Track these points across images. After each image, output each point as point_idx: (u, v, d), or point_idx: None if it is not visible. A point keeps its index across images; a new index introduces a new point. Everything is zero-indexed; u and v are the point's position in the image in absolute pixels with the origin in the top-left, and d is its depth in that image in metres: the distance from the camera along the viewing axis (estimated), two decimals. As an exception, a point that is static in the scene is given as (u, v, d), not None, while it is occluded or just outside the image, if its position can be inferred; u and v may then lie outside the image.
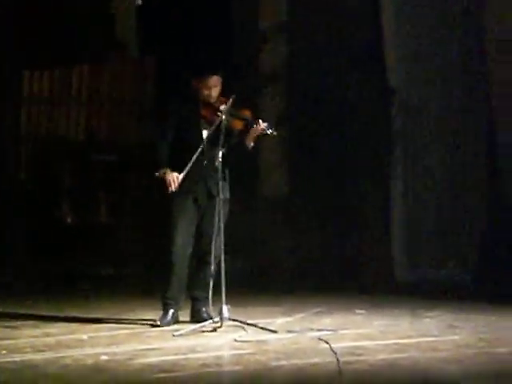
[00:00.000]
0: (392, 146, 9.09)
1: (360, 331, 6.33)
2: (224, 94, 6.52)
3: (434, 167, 9.18)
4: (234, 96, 6.38)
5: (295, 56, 9.69)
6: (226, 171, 6.51)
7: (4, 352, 5.60)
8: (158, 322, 6.47)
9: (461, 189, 9.11)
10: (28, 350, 5.69)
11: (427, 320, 6.80)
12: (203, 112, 6.50)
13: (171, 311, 6.51)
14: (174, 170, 6.46)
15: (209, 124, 6.48)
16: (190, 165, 6.35)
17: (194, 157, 6.33)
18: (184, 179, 6.44)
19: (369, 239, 9.12)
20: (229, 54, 9.90)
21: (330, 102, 9.23)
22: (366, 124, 9.12)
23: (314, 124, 9.38)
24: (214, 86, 6.48)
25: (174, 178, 6.41)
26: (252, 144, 6.49)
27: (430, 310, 7.12)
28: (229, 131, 6.45)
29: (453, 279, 8.88)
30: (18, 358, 5.45)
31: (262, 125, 6.42)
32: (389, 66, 9.06)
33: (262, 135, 6.48)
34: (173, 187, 6.41)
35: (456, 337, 6.10)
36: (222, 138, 6.35)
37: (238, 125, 6.48)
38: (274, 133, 6.48)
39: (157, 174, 6.47)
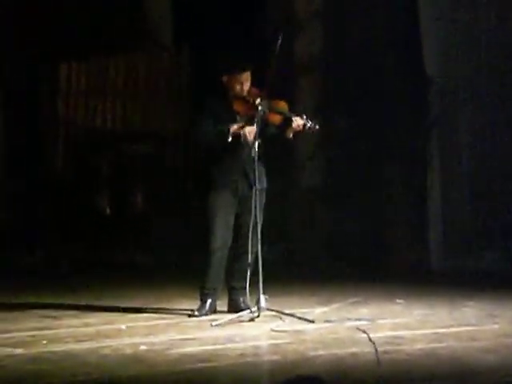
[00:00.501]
0: (429, 132, 9.03)
1: (398, 321, 6.32)
2: (258, 84, 6.49)
3: (472, 154, 9.11)
4: (279, 37, 6.16)
5: (331, 44, 9.65)
6: (263, 162, 6.51)
7: (45, 342, 5.67)
8: (196, 313, 6.50)
9: (499, 175, 9.03)
10: (68, 339, 5.75)
11: (466, 309, 6.77)
12: (236, 107, 6.47)
13: (209, 301, 6.53)
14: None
15: (245, 118, 6.46)
16: (257, 120, 6.23)
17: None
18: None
19: (406, 228, 9.08)
20: (263, 42, 9.88)
21: (367, 89, 9.19)
22: (403, 111, 9.07)
23: (350, 112, 9.35)
24: (246, 81, 6.46)
25: (250, 129, 6.34)
26: (291, 136, 6.47)
27: (469, 299, 7.08)
28: (265, 124, 6.43)
29: (492, 267, 8.82)
30: (58, 348, 5.51)
31: (302, 121, 6.38)
32: (426, 52, 8.99)
33: (303, 130, 6.43)
34: (252, 136, 6.31)
35: (495, 326, 6.07)
36: (257, 130, 6.35)
37: (276, 119, 6.45)
38: (316, 126, 6.43)
39: (229, 136, 6.36)
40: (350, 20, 9.44)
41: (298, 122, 6.39)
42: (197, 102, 7.02)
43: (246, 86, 6.48)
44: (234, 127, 6.37)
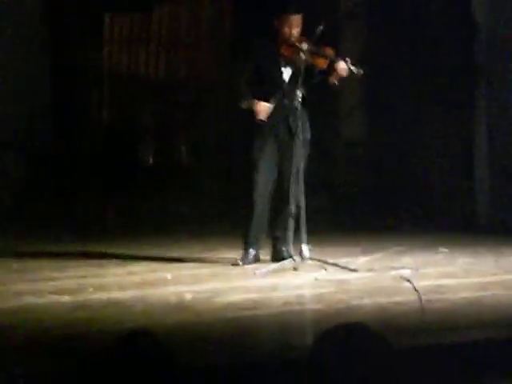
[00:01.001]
0: (476, 81, 8.88)
1: (442, 269, 6.30)
2: (304, 33, 6.44)
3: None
4: (320, 28, 6.25)
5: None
6: (307, 112, 6.47)
7: (91, 290, 5.74)
8: (240, 262, 6.52)
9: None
10: (114, 287, 5.82)
11: (512, 258, 6.72)
12: (283, 51, 6.44)
13: (252, 251, 6.56)
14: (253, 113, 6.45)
15: (290, 63, 6.43)
16: (275, 98, 6.31)
17: (275, 99, 6.29)
18: (265, 119, 6.43)
19: (451, 177, 9.00)
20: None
21: (411, 37, 9.05)
22: (448, 60, 8.92)
23: (394, 62, 9.23)
24: (296, 26, 6.41)
25: (264, 107, 6.36)
26: (336, 82, 6.40)
27: (516, 248, 7.02)
28: (310, 71, 6.38)
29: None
30: (103, 295, 5.58)
31: (346, 64, 6.33)
32: (475, 1, 8.82)
33: (347, 74, 6.37)
34: (262, 116, 6.37)
35: (542, 275, 6.02)
36: (301, 78, 6.31)
37: (321, 63, 6.39)
38: (361, 71, 6.36)
39: (243, 104, 6.42)
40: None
41: (341, 65, 6.32)
42: (238, 49, 6.98)
43: (296, 30, 6.42)
44: (252, 101, 6.33)
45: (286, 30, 6.42)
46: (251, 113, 6.40)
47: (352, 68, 6.33)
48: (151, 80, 10.59)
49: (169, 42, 10.60)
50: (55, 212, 9.06)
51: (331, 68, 6.36)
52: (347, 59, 6.38)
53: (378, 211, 9.08)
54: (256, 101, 6.38)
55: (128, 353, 2.72)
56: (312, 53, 6.36)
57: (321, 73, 6.43)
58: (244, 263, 6.51)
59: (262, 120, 6.36)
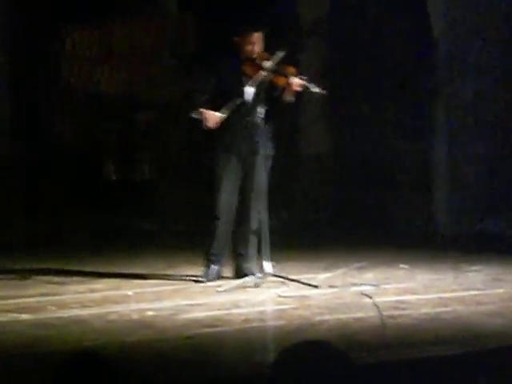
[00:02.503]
0: (435, 97, 8.98)
1: (403, 285, 6.33)
2: (266, 48, 6.47)
3: (478, 118, 9.06)
4: (281, 53, 6.30)
5: (335, 8, 9.58)
6: (269, 128, 6.49)
7: (52, 308, 5.69)
8: (202, 278, 6.51)
9: (506, 138, 8.99)
10: (75, 305, 5.78)
11: (471, 274, 6.77)
12: (245, 68, 6.46)
13: (214, 267, 6.55)
14: (216, 130, 6.44)
15: (251, 80, 6.45)
16: (227, 107, 6.31)
17: (230, 106, 6.30)
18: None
19: (410, 193, 9.07)
20: (268, 6, 9.82)
21: (371, 53, 9.13)
22: (407, 76, 9.01)
23: (354, 78, 9.30)
24: (257, 43, 6.43)
25: (212, 115, 6.36)
26: (290, 98, 6.42)
27: (474, 264, 7.08)
28: (272, 88, 6.40)
29: (497, 232, 8.80)
30: (65, 313, 5.54)
31: (301, 81, 6.35)
32: (432, 14, 8.91)
33: (308, 93, 6.39)
34: (211, 124, 6.37)
35: (500, 290, 6.08)
36: (263, 95, 6.33)
37: (281, 81, 6.42)
38: (320, 90, 6.37)
39: (193, 114, 6.42)
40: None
41: (295, 80, 6.34)
42: (200, 65, 6.99)
43: (257, 47, 6.44)
44: (197, 112, 6.34)
45: (249, 47, 6.44)
46: (201, 122, 6.40)
47: (310, 86, 6.34)
48: (112, 96, 10.56)
49: (129, 57, 10.59)
50: (14, 229, 8.99)
51: (287, 84, 6.38)
52: (304, 77, 6.40)
53: (340, 226, 9.12)
54: (205, 110, 6.38)
55: (72, 374, 2.72)
56: (273, 71, 6.38)
57: (278, 89, 6.45)
58: (206, 280, 6.50)
59: (209, 128, 6.36)
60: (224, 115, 6.34)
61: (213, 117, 6.35)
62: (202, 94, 6.45)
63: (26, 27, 9.97)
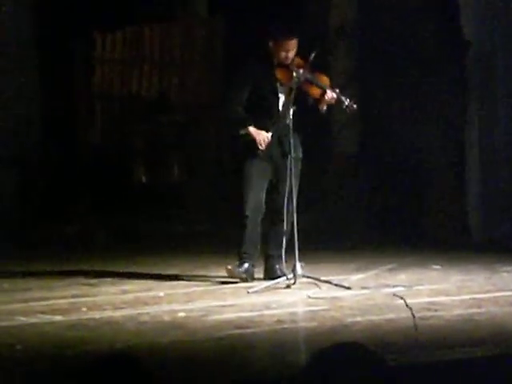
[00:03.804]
0: (467, 99, 8.92)
1: (435, 287, 6.29)
2: (298, 53, 6.44)
3: (510, 119, 8.99)
4: (313, 53, 6.27)
5: (366, 10, 9.55)
6: (299, 131, 6.48)
7: (84, 309, 5.72)
8: (230, 267, 6.43)
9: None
10: (107, 307, 5.79)
11: (505, 274, 6.72)
12: (279, 75, 6.43)
13: (246, 265, 6.52)
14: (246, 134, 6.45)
15: (284, 86, 6.43)
16: (274, 127, 6.33)
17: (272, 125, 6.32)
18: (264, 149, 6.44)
19: (444, 194, 9.01)
20: (300, 9, 9.81)
21: (403, 56, 9.10)
22: (440, 78, 8.96)
23: (386, 79, 9.26)
24: (291, 49, 6.40)
25: (265, 138, 6.37)
26: (325, 109, 6.44)
27: (508, 265, 7.02)
28: (304, 95, 6.39)
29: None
30: (97, 315, 5.56)
31: (336, 94, 6.35)
32: (464, 17, 8.87)
33: (340, 106, 6.40)
34: (263, 146, 6.38)
35: (534, 291, 6.02)
36: (293, 97, 6.32)
37: (315, 92, 6.41)
38: (354, 106, 6.38)
39: (242, 131, 6.41)
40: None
41: (330, 95, 6.35)
42: (234, 70, 6.99)
43: (292, 53, 6.42)
44: (251, 130, 6.35)
45: (282, 53, 6.40)
46: (250, 141, 6.40)
47: (344, 101, 6.35)
48: (143, 99, 10.61)
49: (161, 63, 10.63)
50: (48, 231, 9.05)
51: (322, 96, 6.38)
52: (338, 91, 6.40)
53: (372, 227, 9.09)
54: (255, 130, 6.38)
55: (105, 376, 2.72)
56: (307, 80, 6.36)
57: (311, 98, 6.45)
58: (236, 272, 6.44)
59: (262, 150, 6.37)
60: (271, 133, 6.37)
61: (265, 138, 6.35)
62: (239, 101, 6.42)
63: (59, 29, 10.04)
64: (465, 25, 8.89)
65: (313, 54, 6.31)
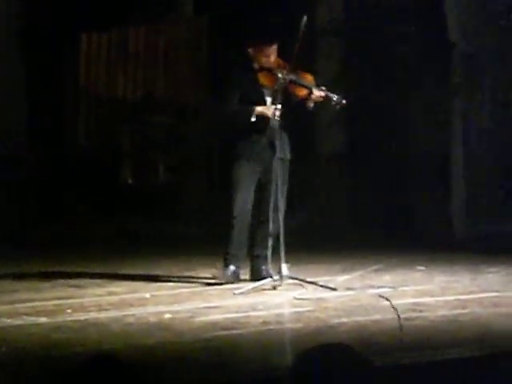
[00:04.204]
0: (451, 100, 8.96)
1: (420, 288, 6.32)
2: (280, 54, 6.43)
3: (495, 121, 9.05)
4: (303, 21, 6.11)
5: (352, 10, 9.57)
6: (287, 132, 6.49)
7: (69, 311, 5.71)
8: (217, 277, 6.47)
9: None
10: (92, 308, 5.79)
11: (489, 275, 6.75)
12: (262, 79, 6.41)
13: (231, 268, 6.54)
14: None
15: (268, 89, 6.42)
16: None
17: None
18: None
19: (429, 195, 9.05)
20: (284, 8, 9.83)
21: (388, 56, 9.12)
22: (424, 79, 9.00)
23: (371, 79, 9.29)
24: (271, 54, 6.39)
25: (271, 109, 6.29)
26: (312, 105, 6.44)
27: (492, 266, 7.05)
28: (288, 95, 6.38)
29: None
30: (82, 316, 5.56)
31: (323, 92, 6.34)
32: (449, 19, 8.90)
33: (329, 103, 6.39)
34: (271, 113, 6.28)
35: (518, 292, 6.05)
36: (279, 98, 6.32)
37: (301, 93, 6.40)
38: (343, 101, 6.37)
39: (252, 116, 6.34)
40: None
41: (317, 93, 6.36)
42: (221, 74, 6.97)
43: (273, 57, 6.40)
44: (258, 109, 6.34)
45: (263, 59, 6.39)
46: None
47: (332, 97, 6.35)
48: (129, 100, 10.60)
49: (146, 63, 10.62)
50: (30, 231, 9.03)
51: (309, 95, 6.37)
52: (324, 88, 6.40)
53: (357, 228, 9.11)
54: (261, 108, 6.33)
55: (92, 377, 2.72)
56: (292, 82, 6.35)
57: (297, 99, 6.45)
58: (222, 279, 6.48)
59: (277, 118, 6.28)
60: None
61: (274, 110, 6.29)
62: (233, 101, 6.41)
63: (44, 31, 10.02)
64: (450, 25, 8.93)
65: (303, 22, 6.14)
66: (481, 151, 8.97)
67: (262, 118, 6.38)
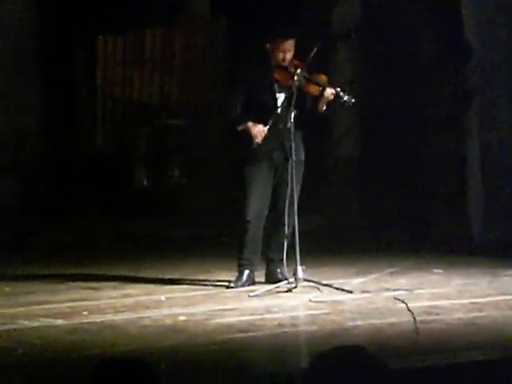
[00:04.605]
0: (468, 104, 8.93)
1: (436, 291, 6.30)
2: (296, 55, 6.48)
3: (511, 124, 9.00)
4: (312, 52, 6.28)
5: (369, 14, 9.56)
6: (300, 133, 6.49)
7: (85, 313, 5.72)
8: (232, 284, 6.50)
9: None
10: (108, 310, 5.80)
11: (506, 278, 6.72)
12: (276, 75, 6.46)
13: (246, 272, 6.54)
14: (247, 136, 6.45)
15: (283, 87, 6.46)
16: (271, 121, 6.35)
17: (270, 122, 6.34)
18: (250, 140, 6.44)
19: (444, 198, 9.02)
20: (300, 12, 9.83)
21: (405, 60, 9.10)
22: (440, 83, 8.97)
23: (387, 84, 9.27)
24: (288, 50, 6.42)
25: (260, 130, 6.38)
26: (324, 108, 6.45)
27: (509, 269, 7.01)
28: (302, 96, 6.40)
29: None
30: (98, 318, 5.57)
31: (334, 91, 6.36)
32: (466, 23, 8.87)
33: (338, 103, 6.41)
34: (259, 139, 6.38)
35: (535, 295, 6.02)
36: (294, 100, 6.33)
37: (314, 90, 6.43)
38: (352, 100, 6.39)
39: (239, 127, 6.43)
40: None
41: (329, 91, 6.36)
42: (232, 72, 7.01)
43: (289, 55, 6.43)
44: (249, 124, 6.36)
45: (279, 54, 6.43)
46: (248, 137, 6.40)
47: (343, 96, 6.36)
48: (144, 103, 10.61)
49: (163, 65, 10.63)
50: (46, 234, 9.05)
51: (321, 94, 6.39)
52: (338, 88, 6.42)
53: (373, 231, 9.09)
54: (252, 124, 6.40)
55: (105, 379, 2.72)
56: (305, 79, 6.39)
57: (312, 98, 6.47)
58: (238, 285, 6.49)
59: (258, 144, 6.38)
60: (269, 127, 6.37)
61: (261, 131, 6.36)
62: (236, 103, 6.45)
63: (61, 33, 10.05)
64: (467, 30, 8.90)
65: (314, 50, 6.29)
66: (497, 157, 8.93)
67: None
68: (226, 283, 6.58)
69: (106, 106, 10.68)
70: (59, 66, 10.20)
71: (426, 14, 9.05)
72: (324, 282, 6.37)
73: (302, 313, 5.77)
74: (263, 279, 6.63)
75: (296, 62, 6.45)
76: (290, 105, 6.36)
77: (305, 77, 6.37)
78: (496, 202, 8.87)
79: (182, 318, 5.55)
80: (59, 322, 5.49)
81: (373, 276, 6.92)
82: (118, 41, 10.65)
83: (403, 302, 5.77)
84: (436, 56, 8.98)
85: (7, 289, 6.58)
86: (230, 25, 10.30)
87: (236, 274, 6.57)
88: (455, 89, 8.95)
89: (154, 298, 6.22)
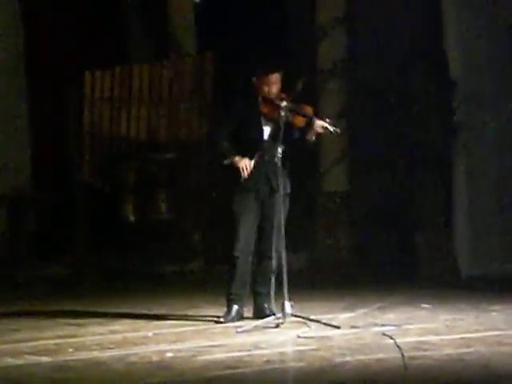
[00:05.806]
0: (454, 137, 8.98)
1: (424, 326, 6.28)
2: (283, 89, 6.53)
3: (497, 159, 9.05)
4: (299, 87, 6.35)
5: (355, 49, 9.64)
6: (287, 167, 6.52)
7: (71, 350, 5.68)
8: (222, 319, 6.49)
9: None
10: (94, 347, 5.76)
11: (493, 314, 6.72)
12: (263, 109, 6.52)
13: (235, 307, 6.52)
14: (233, 170, 6.47)
15: (269, 120, 6.50)
16: (257, 154, 6.39)
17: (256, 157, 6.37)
18: (238, 173, 6.46)
19: (431, 233, 9.03)
20: (286, 48, 9.90)
21: (391, 95, 9.16)
22: (427, 116, 9.03)
23: (374, 118, 9.33)
24: (274, 83, 6.50)
25: (247, 164, 6.41)
26: (313, 138, 6.49)
27: (496, 304, 7.03)
28: (289, 128, 6.45)
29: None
30: (84, 355, 5.52)
31: (324, 121, 6.43)
32: (450, 57, 8.95)
33: (324, 132, 6.48)
34: (245, 173, 6.42)
35: (523, 331, 6.02)
36: (281, 134, 6.37)
37: (300, 121, 6.49)
38: (338, 130, 6.47)
39: (226, 161, 6.46)
40: (373, 25, 9.42)
41: (318, 123, 6.42)
42: (218, 107, 7.07)
43: (275, 88, 6.51)
44: (235, 159, 6.40)
45: (265, 88, 6.50)
46: (234, 170, 6.43)
47: (329, 127, 6.43)
48: (132, 138, 10.62)
49: (150, 101, 10.65)
50: (31, 270, 9.01)
51: (309, 125, 6.44)
52: (325, 118, 6.49)
53: (360, 266, 9.09)
54: (238, 158, 6.44)
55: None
56: (291, 111, 6.44)
57: (299, 130, 6.51)
58: (227, 321, 6.47)
59: (245, 177, 6.41)
60: (256, 161, 6.41)
61: (247, 165, 6.40)
62: (224, 137, 6.49)
63: (48, 70, 10.08)
64: (452, 63, 8.98)
65: (299, 84, 6.37)
66: (484, 191, 8.97)
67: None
68: (215, 319, 6.56)
69: (93, 141, 10.68)
70: (46, 101, 10.22)
71: (413, 46, 9.13)
72: (312, 318, 6.35)
73: (290, 349, 5.74)
74: (251, 314, 6.61)
75: (282, 95, 6.50)
76: (276, 137, 6.39)
77: (291, 109, 6.42)
78: (483, 237, 8.90)
79: (169, 354, 5.51)
80: (45, 359, 5.44)
81: (361, 311, 6.90)
82: (106, 75, 10.67)
83: (391, 337, 5.75)
84: (423, 91, 9.05)
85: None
86: (217, 60, 10.35)
87: (225, 308, 6.55)
88: (442, 123, 9.01)
89: (141, 334, 6.18)
